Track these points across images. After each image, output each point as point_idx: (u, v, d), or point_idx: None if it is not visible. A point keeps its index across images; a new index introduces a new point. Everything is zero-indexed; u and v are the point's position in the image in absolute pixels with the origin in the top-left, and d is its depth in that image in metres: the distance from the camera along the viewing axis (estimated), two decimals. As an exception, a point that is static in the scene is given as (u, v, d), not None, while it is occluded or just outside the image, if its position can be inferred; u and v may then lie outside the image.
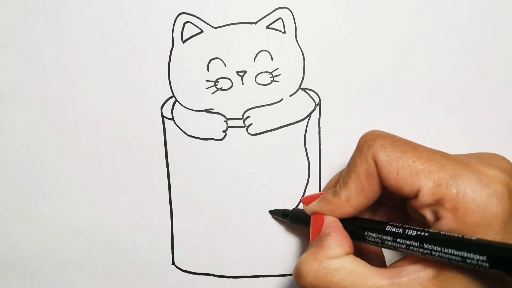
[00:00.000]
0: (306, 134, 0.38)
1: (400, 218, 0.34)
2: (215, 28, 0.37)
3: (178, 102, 0.37)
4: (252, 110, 0.37)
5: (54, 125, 0.38)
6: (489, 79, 0.38)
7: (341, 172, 0.34)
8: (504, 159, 0.29)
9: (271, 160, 0.38)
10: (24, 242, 0.38)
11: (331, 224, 0.31)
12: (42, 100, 0.37)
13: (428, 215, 0.28)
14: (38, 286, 0.38)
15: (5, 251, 0.38)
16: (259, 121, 0.37)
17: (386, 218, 0.34)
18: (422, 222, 0.29)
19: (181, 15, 0.37)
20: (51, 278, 0.38)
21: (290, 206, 0.38)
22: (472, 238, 0.25)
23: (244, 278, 0.38)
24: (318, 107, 0.38)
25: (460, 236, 0.26)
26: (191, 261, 0.37)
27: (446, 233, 0.26)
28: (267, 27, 0.37)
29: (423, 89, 0.38)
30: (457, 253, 0.25)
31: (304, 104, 0.38)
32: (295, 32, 0.37)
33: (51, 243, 0.38)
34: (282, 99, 0.37)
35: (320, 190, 0.38)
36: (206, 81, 0.37)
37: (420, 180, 0.27)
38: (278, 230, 0.37)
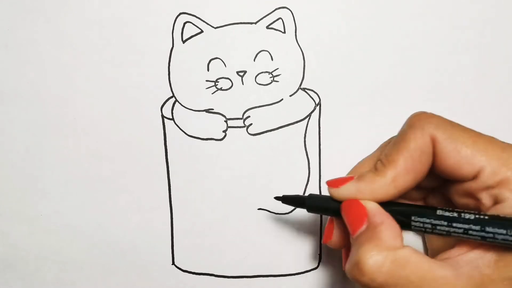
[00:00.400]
0: (306, 134, 0.38)
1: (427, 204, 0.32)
2: (215, 28, 0.37)
3: (178, 102, 0.37)
4: (252, 110, 0.37)
5: (54, 125, 0.38)
6: (489, 79, 0.38)
7: (372, 157, 0.32)
8: None
9: (271, 160, 0.38)
10: (24, 242, 0.38)
11: (378, 211, 0.28)
12: (42, 100, 0.37)
13: (485, 198, 0.27)
14: (38, 286, 0.38)
15: (5, 251, 0.38)
16: (259, 121, 0.37)
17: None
18: (466, 208, 0.28)
19: (181, 15, 0.37)
20: (51, 278, 0.38)
21: (290, 206, 0.38)
22: None
23: (244, 278, 0.38)
24: (318, 107, 0.38)
25: None
26: (191, 261, 0.38)
27: (507, 216, 0.25)
28: (267, 27, 0.37)
29: (423, 89, 0.38)
30: None
31: (304, 104, 0.38)
32: (295, 32, 0.37)
33: (51, 243, 0.38)
34: (282, 99, 0.37)
35: (320, 190, 0.38)
36: (206, 81, 0.37)
37: (483, 160, 0.26)
38: (278, 230, 0.37)
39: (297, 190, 0.38)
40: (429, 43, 0.37)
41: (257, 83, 0.37)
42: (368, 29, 0.37)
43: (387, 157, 0.28)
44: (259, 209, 0.38)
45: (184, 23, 0.37)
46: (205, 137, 0.37)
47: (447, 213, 0.27)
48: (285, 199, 0.34)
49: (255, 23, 0.37)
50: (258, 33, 0.37)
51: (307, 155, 0.38)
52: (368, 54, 0.37)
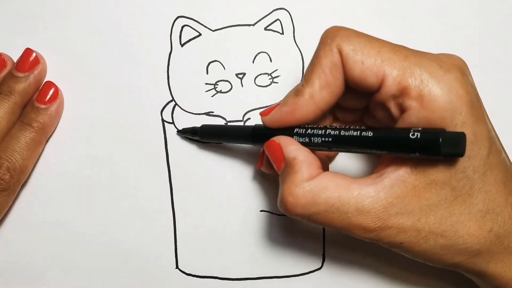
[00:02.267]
0: (307, 135, 0.38)
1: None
2: (213, 30, 0.37)
3: (178, 105, 0.37)
4: (252, 112, 0.37)
5: (55, 131, 0.38)
6: (489, 79, 0.38)
7: (296, 87, 0.33)
8: (460, 58, 0.29)
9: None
10: (28, 249, 0.38)
11: (290, 145, 0.29)
12: (42, 107, 0.37)
13: (393, 107, 0.27)
14: (43, 293, 0.38)
15: (9, 259, 0.38)
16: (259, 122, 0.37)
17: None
18: (388, 120, 0.28)
19: (179, 19, 0.37)
20: (55, 285, 0.38)
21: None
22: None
23: (248, 280, 0.38)
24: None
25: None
26: (195, 264, 0.37)
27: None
28: (265, 29, 0.37)
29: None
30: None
31: (304, 104, 0.37)
32: (293, 33, 0.37)
33: (54, 249, 0.38)
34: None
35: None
36: (206, 84, 0.37)
37: (385, 69, 0.26)
38: (281, 231, 0.37)
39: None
40: (428, 42, 0.37)
41: (257, 84, 0.37)
42: (366, 29, 0.37)
43: (304, 77, 0.29)
44: (261, 211, 0.37)
45: (182, 27, 0.37)
46: (205, 140, 0.37)
47: (332, 131, 0.28)
48: (181, 131, 0.37)
49: (253, 25, 0.37)
50: (256, 35, 0.37)
51: (308, 155, 0.38)
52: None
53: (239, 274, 0.38)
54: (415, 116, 0.26)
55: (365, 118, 0.32)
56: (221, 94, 0.37)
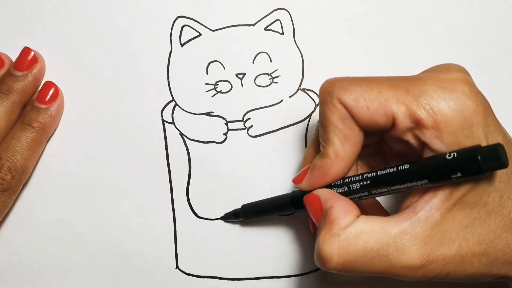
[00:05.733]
0: (307, 135, 0.38)
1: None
2: (213, 31, 0.37)
3: (178, 106, 0.37)
4: (252, 112, 0.37)
5: (55, 131, 0.38)
6: (490, 79, 0.38)
7: (312, 143, 0.33)
8: (457, 65, 0.29)
9: (272, 162, 0.38)
10: (28, 249, 0.38)
11: (327, 195, 0.29)
12: (42, 107, 0.37)
13: (412, 139, 0.27)
14: (43, 293, 0.38)
15: (9, 259, 0.38)
16: (259, 123, 0.37)
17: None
18: (408, 150, 0.28)
19: (179, 19, 0.37)
20: (56, 285, 0.38)
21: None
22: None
23: (249, 280, 0.38)
24: (318, 108, 0.38)
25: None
26: (195, 264, 0.37)
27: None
28: (265, 29, 0.37)
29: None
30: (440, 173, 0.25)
31: (304, 104, 0.38)
32: (293, 33, 0.37)
33: (54, 250, 0.38)
34: (282, 100, 0.37)
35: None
36: (206, 84, 0.37)
37: (392, 108, 0.26)
38: (281, 231, 0.37)
39: (299, 191, 0.38)
40: (428, 42, 0.37)
41: (257, 85, 0.37)
42: (366, 28, 0.37)
43: (321, 138, 0.29)
44: (261, 211, 0.38)
45: (182, 27, 0.37)
46: (206, 140, 0.37)
47: (362, 177, 0.28)
48: (224, 217, 0.37)
49: (253, 25, 0.37)
50: (256, 35, 0.37)
51: (308, 155, 0.38)
52: (367, 53, 0.37)
53: (239, 274, 0.38)
54: (437, 144, 0.26)
55: (385, 147, 0.32)
56: (221, 94, 0.37)
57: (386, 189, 0.28)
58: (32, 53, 0.36)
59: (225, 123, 0.37)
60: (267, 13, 0.37)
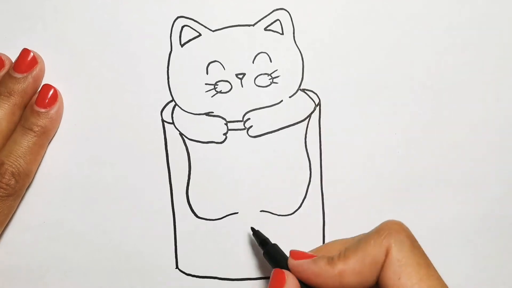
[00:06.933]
0: (307, 135, 0.38)
1: None
2: (213, 31, 0.37)
3: (178, 106, 0.37)
4: (252, 112, 0.37)
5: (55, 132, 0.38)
6: (490, 79, 0.38)
7: (341, 241, 0.32)
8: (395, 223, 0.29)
9: (272, 162, 0.38)
10: (28, 250, 0.38)
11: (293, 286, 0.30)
12: (42, 107, 0.37)
13: None
14: (43, 293, 0.38)
15: (9, 259, 0.38)
16: (259, 123, 0.37)
17: None
18: None
19: (179, 19, 0.37)
20: (55, 285, 0.38)
21: (292, 208, 0.38)
22: None
23: (248, 280, 0.38)
24: (318, 108, 0.38)
25: None
26: (195, 264, 0.38)
27: None
28: (265, 29, 0.37)
29: (423, 89, 0.38)
30: None
31: (304, 105, 0.38)
32: (293, 33, 0.37)
33: (54, 250, 0.38)
34: (281, 101, 0.37)
35: (321, 191, 0.38)
36: (206, 84, 0.37)
37: None
38: (281, 231, 0.38)
39: (298, 191, 0.38)
40: (428, 42, 0.37)
41: (257, 85, 0.37)
42: (367, 28, 0.37)
43: (345, 250, 0.29)
44: (261, 211, 0.38)
45: (182, 27, 0.37)
46: (205, 141, 0.37)
47: None
48: (255, 234, 0.36)
49: (253, 25, 0.37)
50: (256, 35, 0.37)
51: (308, 155, 0.38)
52: (367, 53, 0.37)
53: (239, 274, 0.38)
54: None
55: None
56: (221, 94, 0.37)
57: None
58: (32, 55, 0.36)
59: (225, 123, 0.37)
60: (267, 13, 0.37)
